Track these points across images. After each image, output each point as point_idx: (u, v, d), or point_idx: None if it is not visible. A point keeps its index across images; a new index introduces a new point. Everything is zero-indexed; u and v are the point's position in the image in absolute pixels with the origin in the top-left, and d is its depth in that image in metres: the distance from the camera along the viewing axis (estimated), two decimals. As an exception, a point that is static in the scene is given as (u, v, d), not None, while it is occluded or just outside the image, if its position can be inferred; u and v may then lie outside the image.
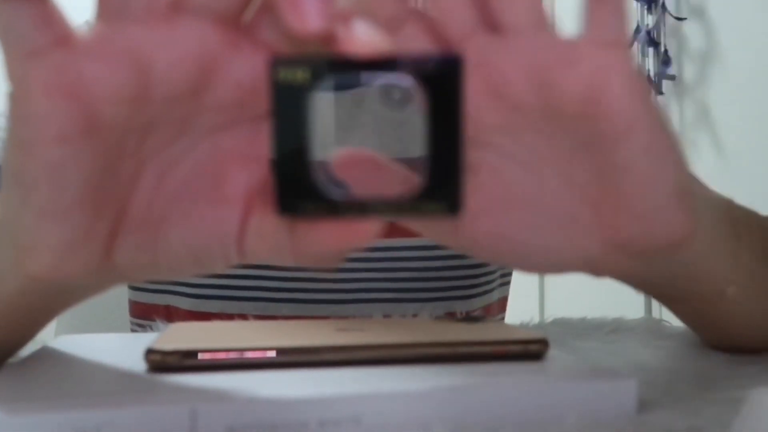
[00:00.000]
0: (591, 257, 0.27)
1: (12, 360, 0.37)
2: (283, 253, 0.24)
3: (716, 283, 0.33)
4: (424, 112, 0.21)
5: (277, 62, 0.21)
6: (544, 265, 0.28)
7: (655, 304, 1.81)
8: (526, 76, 0.24)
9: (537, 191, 0.27)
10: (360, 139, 0.45)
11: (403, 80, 0.21)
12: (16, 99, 0.22)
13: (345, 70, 0.21)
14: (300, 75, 0.21)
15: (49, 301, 0.29)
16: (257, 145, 0.25)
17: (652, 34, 1.81)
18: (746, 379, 0.34)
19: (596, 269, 0.28)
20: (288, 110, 0.21)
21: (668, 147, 0.25)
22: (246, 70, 0.23)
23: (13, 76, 0.22)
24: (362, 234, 0.23)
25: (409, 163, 0.24)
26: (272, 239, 0.24)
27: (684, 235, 0.26)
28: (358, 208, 0.22)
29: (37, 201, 0.23)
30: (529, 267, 0.28)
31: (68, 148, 0.22)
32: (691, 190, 0.27)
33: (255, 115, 0.25)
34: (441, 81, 0.21)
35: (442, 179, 0.22)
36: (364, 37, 0.21)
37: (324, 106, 0.23)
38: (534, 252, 0.28)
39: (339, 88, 0.42)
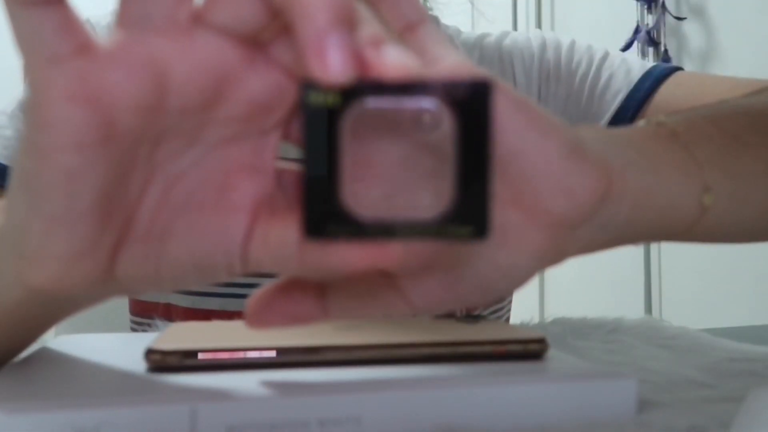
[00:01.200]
0: (541, 250, 0.27)
1: (13, 359, 0.37)
2: (289, 264, 0.24)
3: (687, 207, 0.31)
4: (454, 135, 0.21)
5: (308, 85, 0.21)
6: (508, 287, 0.27)
7: (655, 304, 1.81)
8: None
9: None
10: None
11: (433, 104, 0.21)
12: (34, 104, 0.22)
13: (375, 93, 0.21)
14: (330, 99, 0.21)
15: (49, 311, 0.29)
16: (264, 157, 0.25)
17: (652, 34, 1.81)
18: (746, 379, 0.34)
19: (554, 258, 0.28)
20: (318, 133, 0.21)
21: (532, 119, 0.25)
22: (259, 87, 0.24)
23: (33, 82, 0.21)
24: (384, 256, 0.23)
25: (436, 186, 0.24)
26: (278, 249, 0.24)
27: (601, 185, 0.26)
28: (385, 230, 0.22)
29: (48, 208, 0.22)
30: (497, 295, 0.28)
31: (84, 156, 0.22)
32: (582, 145, 0.26)
33: (264, 129, 0.25)
34: (471, 105, 0.21)
35: (471, 203, 0.22)
36: (394, 62, 0.21)
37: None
38: (493, 286, 0.27)
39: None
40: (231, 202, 0.25)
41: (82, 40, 0.21)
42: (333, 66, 0.20)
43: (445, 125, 0.22)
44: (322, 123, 0.21)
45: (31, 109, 0.22)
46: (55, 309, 0.29)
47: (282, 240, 0.24)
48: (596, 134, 0.29)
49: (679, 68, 0.60)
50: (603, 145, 0.28)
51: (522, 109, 0.25)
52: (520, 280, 0.27)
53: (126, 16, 0.22)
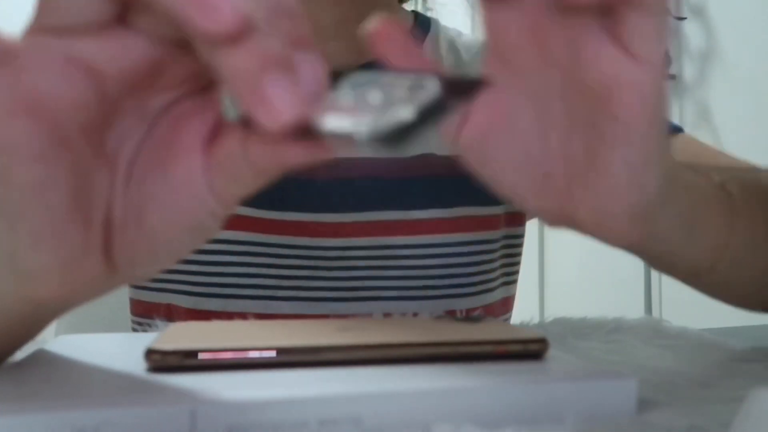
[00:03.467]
0: (547, 210, 0.29)
1: (11, 360, 0.37)
2: (246, 174, 0.24)
3: (701, 260, 0.36)
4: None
5: None
6: (506, 191, 0.29)
7: (655, 304, 1.81)
8: (564, 43, 0.26)
9: (529, 135, 0.28)
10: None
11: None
12: None
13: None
14: None
15: (50, 313, 0.29)
16: (208, 104, 0.25)
17: (652, 34, 1.81)
18: (746, 379, 0.34)
19: (554, 221, 0.30)
20: None
21: (649, 173, 0.27)
22: (193, 59, 0.23)
23: None
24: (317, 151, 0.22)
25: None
26: (233, 165, 0.24)
27: (627, 242, 0.29)
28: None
29: (27, 227, 0.22)
30: (497, 188, 0.30)
31: (46, 165, 0.22)
32: (649, 210, 0.28)
33: (204, 85, 0.25)
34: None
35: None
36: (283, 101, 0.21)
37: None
38: (501, 181, 0.29)
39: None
40: (182, 145, 0.24)
41: (2, 49, 0.21)
42: (280, 113, 0.20)
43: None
44: None
45: None
46: (55, 311, 0.29)
47: (231, 154, 0.24)
48: (678, 171, 0.33)
49: (679, 129, 0.59)
50: (676, 186, 0.32)
51: (646, 158, 0.27)
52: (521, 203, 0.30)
53: (42, 20, 0.22)
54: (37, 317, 0.29)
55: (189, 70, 0.24)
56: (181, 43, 0.23)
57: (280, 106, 0.21)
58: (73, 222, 0.23)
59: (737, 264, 0.37)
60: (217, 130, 0.25)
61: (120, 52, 0.22)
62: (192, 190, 0.24)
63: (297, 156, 0.22)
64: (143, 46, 0.23)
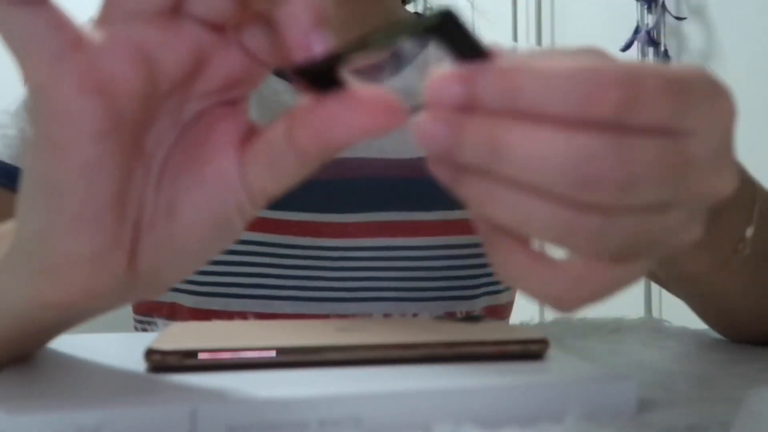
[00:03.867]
0: None
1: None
2: (286, 160, 0.24)
3: (729, 242, 0.38)
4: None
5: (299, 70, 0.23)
6: None
7: (655, 304, 1.81)
8: None
9: None
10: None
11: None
12: (45, 102, 0.22)
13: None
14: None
15: (62, 321, 0.29)
16: (238, 110, 0.26)
17: (652, 34, 1.81)
18: (746, 379, 0.34)
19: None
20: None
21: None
22: (230, 65, 0.25)
23: (38, 81, 0.22)
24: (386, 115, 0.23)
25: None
26: (272, 154, 0.24)
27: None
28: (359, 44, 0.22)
29: (70, 206, 0.23)
30: None
31: (101, 147, 0.22)
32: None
33: (237, 97, 0.26)
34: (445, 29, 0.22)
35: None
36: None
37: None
38: None
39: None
40: (215, 145, 0.25)
41: (75, 34, 0.22)
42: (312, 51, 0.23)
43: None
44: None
45: (42, 107, 0.22)
46: (69, 318, 0.28)
47: (271, 143, 0.24)
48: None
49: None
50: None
51: None
52: None
53: (111, 10, 0.23)
54: (48, 324, 0.29)
55: (223, 75, 0.25)
56: (225, 31, 0.25)
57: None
58: (112, 212, 0.23)
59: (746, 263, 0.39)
60: (249, 132, 0.26)
61: (174, 40, 0.24)
62: (224, 186, 0.25)
63: (342, 135, 0.23)
64: (194, 34, 0.24)
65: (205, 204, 0.25)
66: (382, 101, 0.22)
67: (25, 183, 0.24)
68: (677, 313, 0.57)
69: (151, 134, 0.25)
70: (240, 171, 0.25)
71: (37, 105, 0.22)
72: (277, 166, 0.24)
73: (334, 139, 0.23)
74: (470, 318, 0.38)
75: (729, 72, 1.81)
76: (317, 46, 0.23)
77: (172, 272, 0.26)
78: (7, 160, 0.55)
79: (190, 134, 0.26)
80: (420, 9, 0.74)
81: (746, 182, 0.41)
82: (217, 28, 0.25)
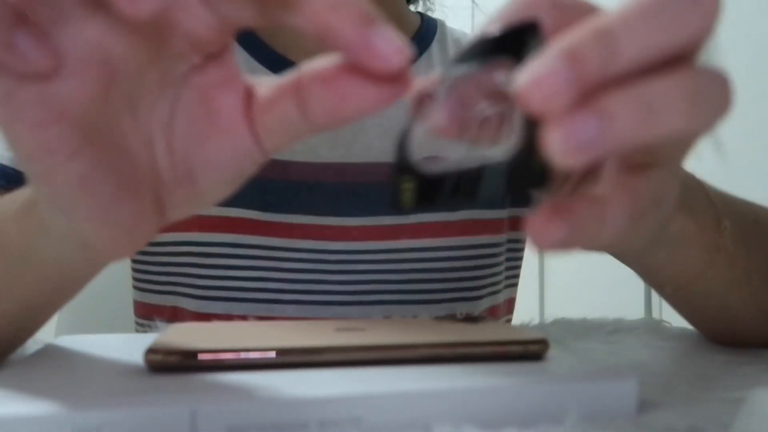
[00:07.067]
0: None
1: (13, 359, 0.37)
2: (301, 128, 0.25)
3: (700, 256, 0.38)
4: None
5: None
6: None
7: (655, 305, 1.81)
8: None
9: None
10: None
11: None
12: (9, 143, 0.23)
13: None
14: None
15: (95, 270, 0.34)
16: (229, 69, 0.26)
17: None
18: (746, 379, 0.34)
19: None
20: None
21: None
22: (193, 26, 0.24)
23: None
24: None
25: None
26: (285, 124, 0.25)
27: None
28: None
29: (80, 215, 0.24)
30: None
31: (83, 159, 0.23)
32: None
33: (215, 52, 0.25)
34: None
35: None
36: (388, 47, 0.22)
37: None
38: None
39: None
40: (224, 123, 0.26)
41: (22, 65, 0.22)
42: (387, 57, 0.21)
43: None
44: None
45: (11, 149, 0.23)
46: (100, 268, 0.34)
47: (283, 118, 0.25)
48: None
49: None
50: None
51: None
52: None
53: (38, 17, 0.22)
54: (82, 277, 0.34)
55: (190, 35, 0.24)
56: None
57: (387, 51, 0.22)
58: (122, 199, 0.24)
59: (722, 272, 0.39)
60: (250, 95, 0.26)
61: (126, 29, 0.23)
62: (240, 153, 0.26)
63: (355, 109, 0.23)
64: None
65: (225, 170, 0.26)
66: (393, 71, 0.22)
67: (40, 203, 0.26)
68: (677, 313, 0.57)
69: (142, 106, 0.25)
70: (254, 140, 0.26)
71: (8, 144, 0.23)
72: (290, 133, 0.25)
73: (348, 114, 0.24)
74: (470, 318, 0.38)
75: (729, 72, 1.81)
76: (381, 44, 0.21)
77: (194, 211, 0.28)
78: (6, 163, 0.55)
79: (190, 103, 0.26)
80: (420, 9, 0.74)
81: (699, 188, 0.40)
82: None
